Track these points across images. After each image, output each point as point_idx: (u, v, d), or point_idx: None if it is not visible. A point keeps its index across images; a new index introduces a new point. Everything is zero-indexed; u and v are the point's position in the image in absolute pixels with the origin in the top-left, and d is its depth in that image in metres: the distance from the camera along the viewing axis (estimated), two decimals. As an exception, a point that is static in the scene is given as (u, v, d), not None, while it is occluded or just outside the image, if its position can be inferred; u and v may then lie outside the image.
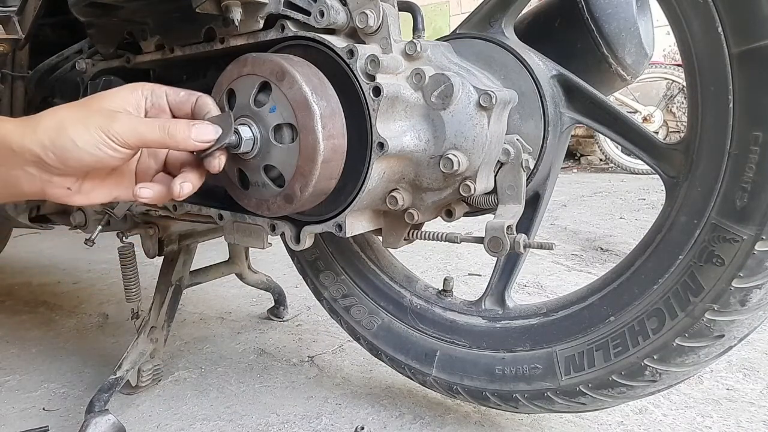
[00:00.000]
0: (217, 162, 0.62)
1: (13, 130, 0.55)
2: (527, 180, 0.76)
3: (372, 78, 0.65)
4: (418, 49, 0.68)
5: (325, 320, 1.43)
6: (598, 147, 4.56)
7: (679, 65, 4.06)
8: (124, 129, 0.55)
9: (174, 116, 0.64)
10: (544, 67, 0.80)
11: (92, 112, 0.56)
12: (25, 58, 1.07)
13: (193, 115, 0.64)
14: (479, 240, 0.73)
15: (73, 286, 1.94)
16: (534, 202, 0.84)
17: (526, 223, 0.83)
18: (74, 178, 0.58)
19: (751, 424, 0.93)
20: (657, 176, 0.75)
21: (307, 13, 0.69)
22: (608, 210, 2.86)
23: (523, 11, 0.87)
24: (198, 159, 0.63)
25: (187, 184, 0.61)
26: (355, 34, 0.69)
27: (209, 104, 0.64)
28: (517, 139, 0.75)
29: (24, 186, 0.57)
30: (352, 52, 0.65)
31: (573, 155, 5.13)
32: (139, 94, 0.61)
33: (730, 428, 0.93)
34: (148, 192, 0.61)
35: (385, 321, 0.98)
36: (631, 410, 0.98)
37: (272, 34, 0.72)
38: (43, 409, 1.10)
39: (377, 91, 0.64)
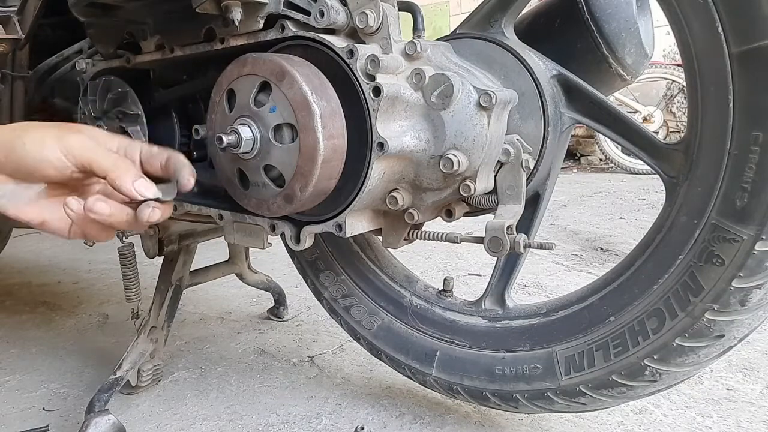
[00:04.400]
0: (149, 212, 0.58)
1: None
2: (527, 180, 0.76)
3: (372, 78, 0.65)
4: (418, 49, 0.68)
5: (325, 320, 1.43)
6: (598, 147, 4.56)
7: (679, 65, 4.06)
8: (77, 144, 0.56)
9: (143, 169, 0.62)
10: (544, 67, 0.80)
11: (58, 127, 0.57)
12: (25, 58, 1.07)
13: (162, 172, 0.62)
14: (479, 240, 0.73)
15: (73, 286, 1.94)
16: (534, 202, 0.84)
17: (526, 223, 0.83)
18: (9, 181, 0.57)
19: (751, 424, 0.93)
20: (657, 176, 0.75)
21: (307, 13, 0.69)
22: (608, 210, 2.86)
23: (523, 11, 0.87)
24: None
25: (157, 211, 0.59)
26: (355, 34, 0.69)
27: (179, 164, 0.61)
28: (517, 139, 0.75)
29: None
30: (352, 52, 0.65)
31: (573, 155, 5.13)
32: (116, 138, 0.61)
33: (730, 428, 0.93)
34: (105, 207, 0.56)
35: (385, 321, 0.98)
36: (631, 410, 0.98)
37: (272, 34, 0.72)
38: (43, 409, 1.10)
39: (377, 91, 0.64)
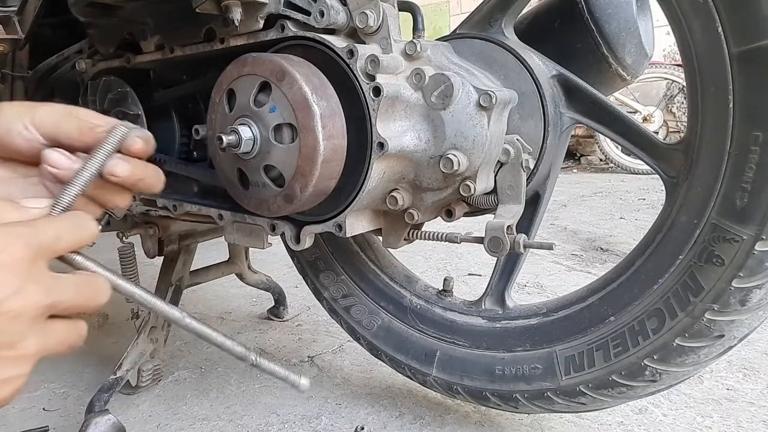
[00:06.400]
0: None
1: None
2: (527, 180, 0.76)
3: (372, 78, 0.65)
4: (418, 49, 0.68)
5: (325, 320, 1.43)
6: (598, 147, 4.55)
7: (679, 65, 4.06)
8: (45, 112, 0.48)
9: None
10: (544, 67, 0.79)
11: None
12: (25, 58, 1.07)
13: None
14: (479, 240, 0.73)
15: (73, 286, 1.94)
16: (534, 202, 0.84)
17: (526, 223, 0.83)
18: None
19: (751, 424, 0.93)
20: (657, 176, 0.75)
21: (307, 13, 0.68)
22: (608, 210, 2.86)
23: (523, 11, 0.87)
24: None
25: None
26: (355, 34, 0.69)
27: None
28: (517, 139, 0.75)
29: None
30: (352, 52, 0.65)
31: (573, 155, 5.13)
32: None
33: (730, 428, 0.93)
34: (125, 166, 0.48)
35: (385, 321, 0.98)
36: (631, 410, 0.98)
37: (272, 34, 0.72)
38: (43, 409, 1.10)
39: (377, 91, 0.64)
